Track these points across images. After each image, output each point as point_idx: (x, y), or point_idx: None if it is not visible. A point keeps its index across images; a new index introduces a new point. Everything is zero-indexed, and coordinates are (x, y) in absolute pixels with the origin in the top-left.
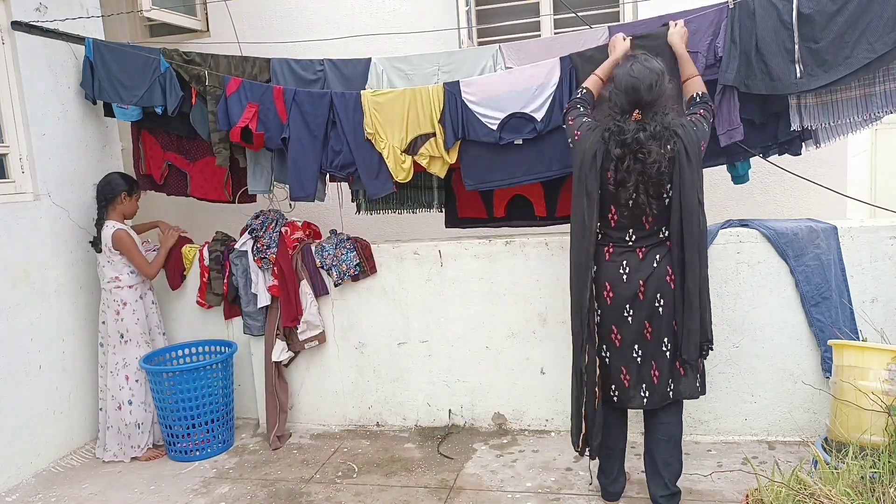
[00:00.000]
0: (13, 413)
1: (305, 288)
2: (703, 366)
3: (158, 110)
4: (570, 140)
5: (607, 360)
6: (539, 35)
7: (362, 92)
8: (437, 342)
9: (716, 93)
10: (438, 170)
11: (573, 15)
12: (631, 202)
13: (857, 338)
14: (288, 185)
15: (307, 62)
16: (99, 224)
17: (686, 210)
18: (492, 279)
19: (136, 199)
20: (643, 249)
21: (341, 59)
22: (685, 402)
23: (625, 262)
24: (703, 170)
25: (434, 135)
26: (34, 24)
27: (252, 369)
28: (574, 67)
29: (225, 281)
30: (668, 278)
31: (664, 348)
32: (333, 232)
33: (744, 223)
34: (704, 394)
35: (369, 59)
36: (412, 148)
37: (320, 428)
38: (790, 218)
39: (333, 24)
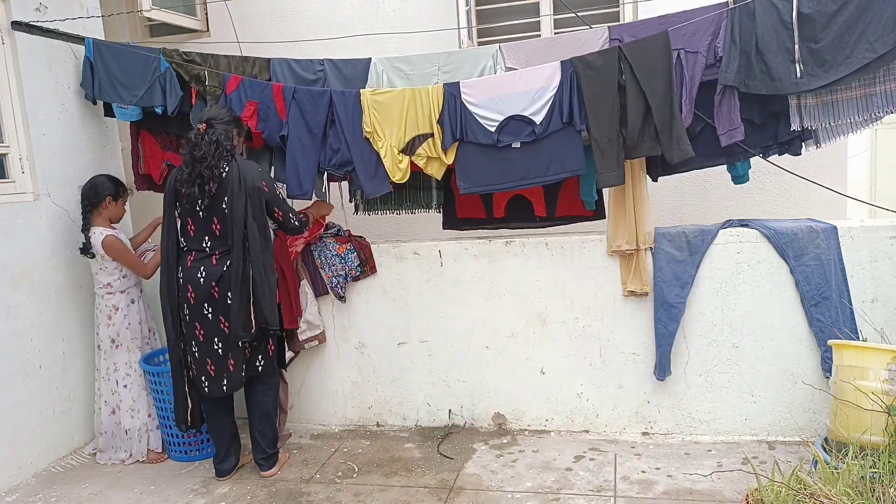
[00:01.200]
0: (13, 413)
1: (305, 288)
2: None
3: (158, 110)
4: None
5: (197, 354)
6: (539, 35)
7: (362, 91)
8: (437, 342)
9: (716, 93)
10: (435, 171)
11: (573, 15)
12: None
13: (857, 338)
14: (285, 184)
15: (307, 62)
16: (85, 229)
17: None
18: (492, 279)
19: (122, 202)
20: (216, 256)
21: (341, 59)
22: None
23: (202, 268)
24: (706, 169)
25: (432, 135)
26: (34, 24)
27: None
28: (575, 72)
29: None
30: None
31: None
32: (327, 227)
33: (744, 223)
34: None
35: (369, 59)
36: (410, 148)
37: (320, 428)
38: (790, 218)
39: (333, 24)
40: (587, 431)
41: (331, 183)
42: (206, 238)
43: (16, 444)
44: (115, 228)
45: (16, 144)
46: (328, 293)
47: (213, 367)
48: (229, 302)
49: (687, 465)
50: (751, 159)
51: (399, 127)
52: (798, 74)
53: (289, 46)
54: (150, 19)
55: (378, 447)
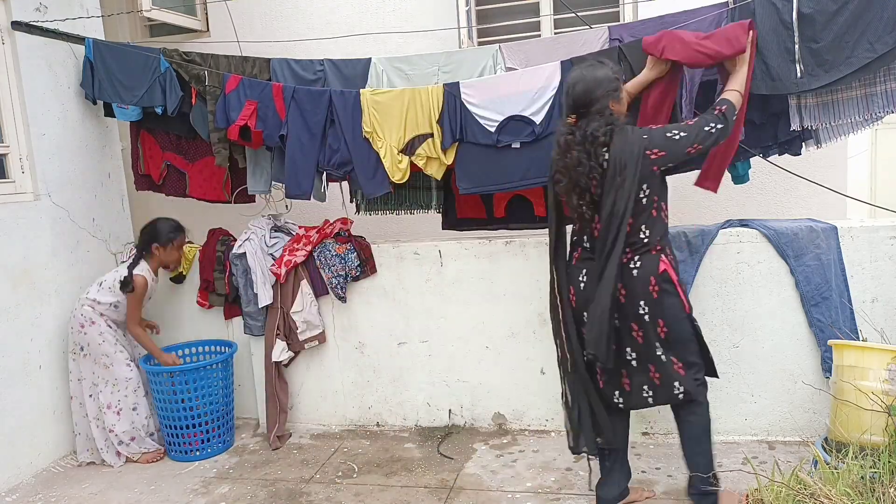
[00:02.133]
0: (13, 413)
1: (305, 288)
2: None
3: (158, 110)
4: None
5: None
6: (539, 35)
7: (362, 91)
8: (437, 342)
9: (716, 93)
10: (435, 171)
11: (573, 15)
12: (572, 207)
13: (857, 338)
14: (284, 184)
15: (307, 62)
16: (133, 265)
17: (606, 220)
18: (492, 279)
19: (177, 246)
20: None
21: (341, 59)
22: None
23: (584, 270)
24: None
25: (432, 135)
26: (34, 24)
27: (252, 369)
28: None
29: (226, 281)
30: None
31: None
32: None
33: (744, 223)
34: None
35: (369, 59)
36: (410, 148)
37: (320, 428)
38: (790, 218)
39: (333, 24)
40: None
41: (330, 183)
42: (586, 238)
43: (16, 444)
44: (155, 278)
45: (16, 144)
46: (328, 293)
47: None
48: (641, 312)
49: None
50: (751, 159)
51: (399, 127)
52: (798, 74)
53: (289, 46)
54: (150, 19)
55: (378, 447)
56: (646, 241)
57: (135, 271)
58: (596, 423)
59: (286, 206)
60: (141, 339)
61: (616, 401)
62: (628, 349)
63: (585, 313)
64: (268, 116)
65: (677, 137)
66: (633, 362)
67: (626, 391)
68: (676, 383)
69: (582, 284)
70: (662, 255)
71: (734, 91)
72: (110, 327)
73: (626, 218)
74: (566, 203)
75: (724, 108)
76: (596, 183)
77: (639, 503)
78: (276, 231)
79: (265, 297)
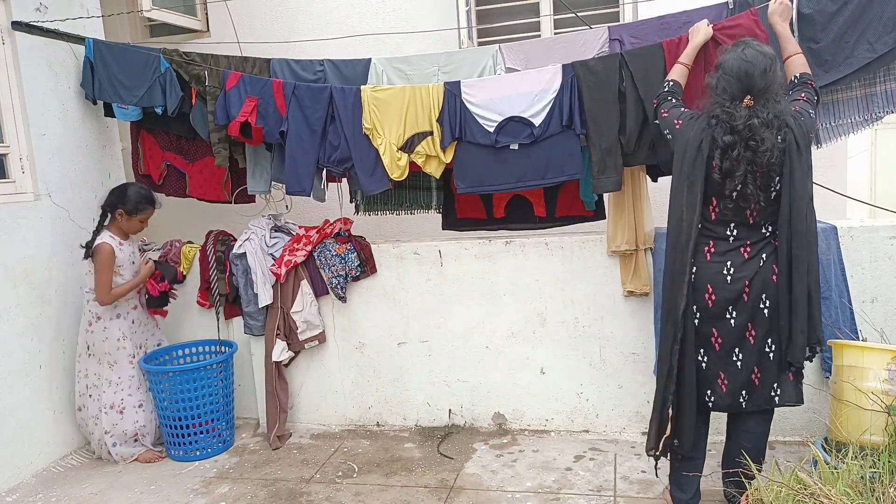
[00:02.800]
0: (13, 413)
1: (305, 288)
2: (802, 373)
3: (158, 110)
4: (667, 132)
5: (704, 364)
6: (539, 35)
7: (362, 87)
8: (437, 342)
9: None
10: (434, 169)
11: (573, 15)
12: (736, 193)
13: (857, 338)
14: (284, 181)
15: (307, 62)
16: (97, 231)
17: (796, 205)
18: (492, 279)
19: (142, 219)
20: (747, 248)
21: (341, 59)
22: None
23: (728, 263)
24: None
25: (431, 133)
26: (34, 24)
27: (252, 369)
28: (576, 76)
29: (226, 281)
30: (773, 278)
31: (768, 349)
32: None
33: None
34: (802, 402)
35: (369, 60)
36: (409, 146)
37: (320, 428)
38: None
39: (333, 24)
40: (587, 431)
41: (330, 183)
42: (732, 225)
43: (16, 444)
44: (122, 242)
45: (16, 144)
46: (328, 293)
47: (744, 376)
48: (761, 307)
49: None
50: None
51: (399, 124)
52: None
53: (289, 46)
54: (150, 19)
55: (378, 447)
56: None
57: (97, 240)
58: (688, 426)
59: (286, 206)
60: (118, 294)
61: (707, 399)
62: (737, 349)
63: (732, 307)
64: (268, 113)
65: (813, 116)
66: (738, 363)
67: (722, 392)
68: (776, 385)
69: (728, 278)
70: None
71: (797, 55)
72: (114, 320)
73: (812, 201)
74: (726, 191)
75: (811, 81)
76: (776, 167)
77: None
78: (276, 231)
79: (265, 297)
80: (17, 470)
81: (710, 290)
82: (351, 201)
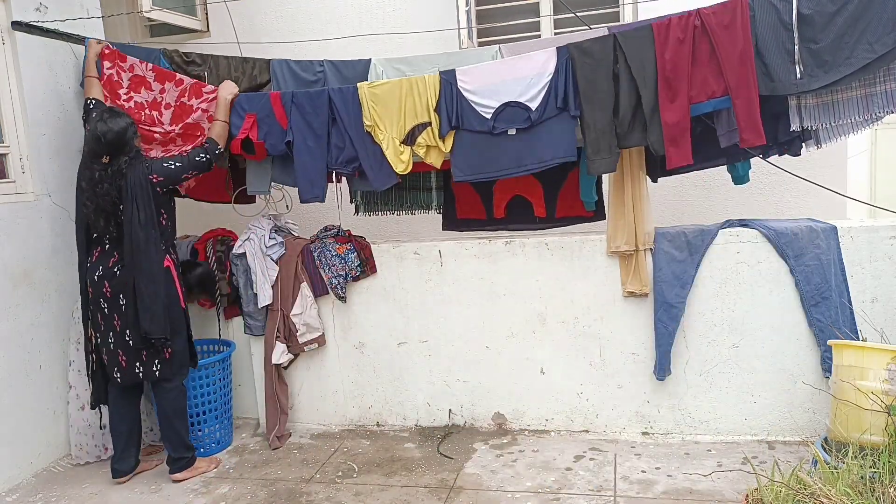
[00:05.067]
0: (13, 413)
1: (305, 290)
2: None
3: None
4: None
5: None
6: (539, 35)
7: (359, 84)
8: (437, 342)
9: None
10: (435, 159)
11: (573, 15)
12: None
13: (857, 338)
14: (297, 187)
15: (307, 63)
16: None
17: (128, 229)
18: (492, 279)
19: None
20: (115, 258)
21: (341, 59)
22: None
23: (100, 267)
24: (706, 170)
25: (430, 123)
26: (34, 24)
27: (252, 369)
28: (570, 58)
29: (227, 281)
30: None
31: (127, 338)
32: (326, 228)
33: (744, 223)
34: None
35: (369, 60)
36: (410, 138)
37: (320, 428)
38: (790, 218)
39: (333, 24)
40: (587, 431)
41: (328, 183)
42: (106, 237)
43: (16, 444)
44: None
45: (16, 144)
46: (328, 293)
47: (118, 357)
48: (121, 303)
49: (687, 464)
50: (751, 160)
51: (398, 117)
52: (798, 75)
53: (289, 46)
54: (150, 19)
55: (378, 447)
56: None
57: None
58: None
59: (286, 205)
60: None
61: (116, 376)
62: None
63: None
64: (269, 125)
65: (173, 167)
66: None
67: (124, 368)
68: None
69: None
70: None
71: (216, 122)
72: None
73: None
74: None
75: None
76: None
77: None
78: (276, 231)
79: (265, 297)
80: (17, 470)
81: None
82: (351, 202)
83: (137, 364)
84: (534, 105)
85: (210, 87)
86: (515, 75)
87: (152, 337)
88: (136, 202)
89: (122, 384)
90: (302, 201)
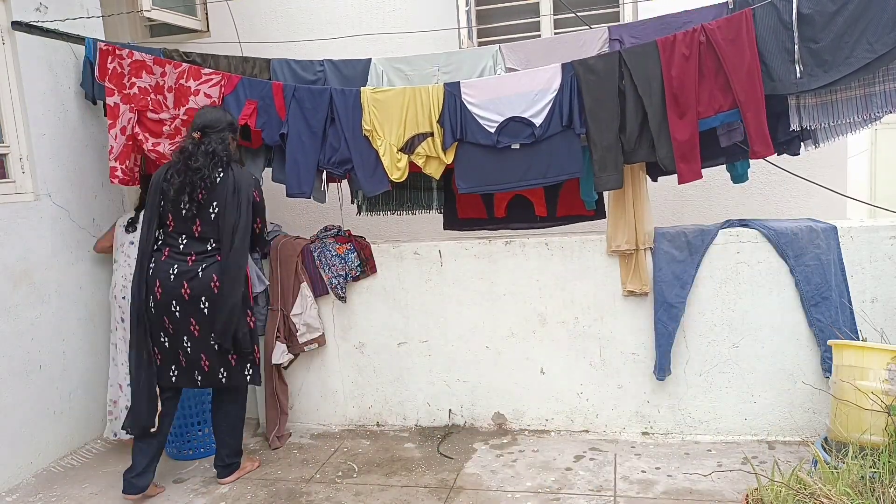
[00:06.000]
0: (13, 413)
1: (305, 290)
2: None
3: None
4: None
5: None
6: (539, 35)
7: (362, 89)
8: (437, 342)
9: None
10: (434, 170)
11: (573, 15)
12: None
13: (857, 338)
14: (284, 183)
15: (307, 62)
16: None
17: (229, 232)
18: (492, 279)
19: None
20: (192, 257)
21: (341, 59)
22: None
23: (175, 266)
24: (705, 169)
25: (432, 134)
26: (34, 24)
27: None
28: (576, 75)
29: None
30: (212, 284)
31: (211, 341)
32: (326, 228)
33: (744, 223)
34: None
35: (369, 60)
36: (409, 146)
37: (320, 428)
38: (790, 218)
39: (333, 24)
40: (587, 431)
41: (330, 183)
42: (184, 237)
43: (16, 444)
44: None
45: (16, 144)
46: (328, 293)
47: (184, 360)
48: (202, 306)
49: (687, 464)
50: (750, 159)
51: (399, 125)
52: (798, 75)
53: (289, 46)
54: (150, 19)
55: (378, 447)
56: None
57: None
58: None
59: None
60: (99, 247)
61: (197, 379)
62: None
63: (174, 300)
64: (268, 115)
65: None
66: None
67: (183, 368)
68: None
69: (172, 277)
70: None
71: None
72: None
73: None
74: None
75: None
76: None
77: None
78: None
79: (258, 285)
80: (17, 470)
81: (158, 284)
82: (352, 202)
83: (222, 369)
84: (538, 121)
85: (208, 70)
86: (520, 90)
87: (246, 349)
88: (240, 207)
89: (201, 386)
90: (288, 195)
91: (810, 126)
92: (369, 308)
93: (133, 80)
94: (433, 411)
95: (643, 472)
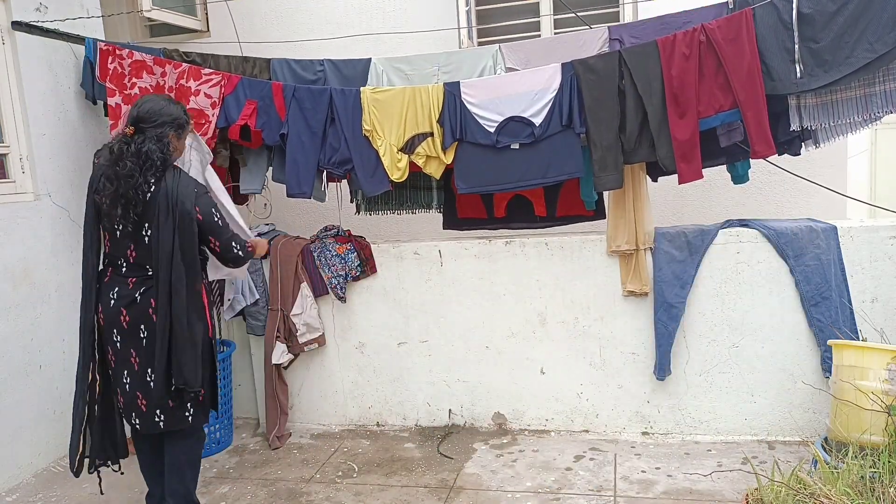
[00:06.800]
0: (13, 413)
1: (305, 291)
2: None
3: None
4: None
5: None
6: (539, 35)
7: (362, 89)
8: (437, 342)
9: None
10: (434, 170)
11: (573, 15)
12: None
13: (857, 338)
14: (285, 183)
15: (307, 62)
16: None
17: (162, 255)
18: (492, 279)
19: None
20: (133, 279)
21: (341, 59)
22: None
23: (116, 289)
24: (706, 169)
25: (432, 134)
26: (34, 24)
27: (252, 369)
28: (575, 74)
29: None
30: (150, 311)
31: (147, 378)
32: (326, 228)
33: (744, 223)
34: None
35: (369, 60)
36: (409, 146)
37: (320, 428)
38: (790, 218)
39: (333, 23)
40: (587, 431)
41: (330, 183)
42: (121, 260)
43: (16, 444)
44: None
45: (16, 144)
46: (328, 293)
47: (122, 399)
48: (141, 336)
49: (687, 464)
50: (750, 159)
51: (399, 125)
52: (798, 74)
53: (289, 46)
54: (150, 19)
55: (378, 447)
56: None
57: None
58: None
59: (264, 205)
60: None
61: (134, 423)
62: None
63: (115, 329)
64: (268, 115)
65: (217, 219)
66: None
67: (123, 407)
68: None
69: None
70: None
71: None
72: None
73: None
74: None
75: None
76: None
77: None
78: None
79: (249, 297)
80: (17, 470)
81: (101, 309)
82: (351, 201)
83: (159, 412)
84: (537, 120)
85: (208, 70)
86: (519, 90)
87: (191, 390)
88: (179, 229)
89: (141, 432)
90: (288, 195)
91: (811, 126)
92: (369, 308)
93: (134, 80)
94: (433, 411)
95: (643, 472)
